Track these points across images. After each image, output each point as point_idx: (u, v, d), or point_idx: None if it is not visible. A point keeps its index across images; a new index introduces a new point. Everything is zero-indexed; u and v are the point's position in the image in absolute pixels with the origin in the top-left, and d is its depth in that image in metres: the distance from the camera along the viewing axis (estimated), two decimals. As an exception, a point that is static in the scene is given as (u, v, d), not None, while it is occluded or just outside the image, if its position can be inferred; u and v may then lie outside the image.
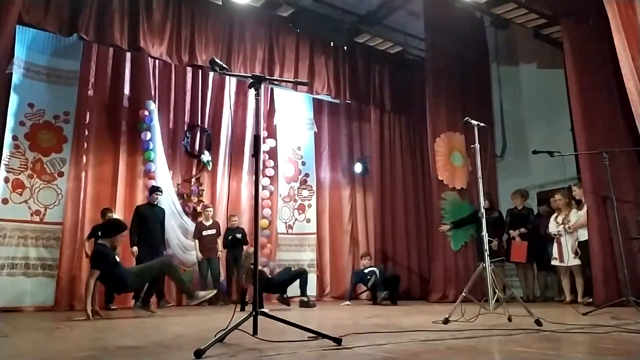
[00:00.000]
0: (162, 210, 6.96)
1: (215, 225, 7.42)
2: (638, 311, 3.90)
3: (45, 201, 6.56)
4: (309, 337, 2.54)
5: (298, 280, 6.46)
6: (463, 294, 3.76)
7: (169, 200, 7.33)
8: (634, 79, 4.97)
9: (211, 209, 7.55)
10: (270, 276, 6.71)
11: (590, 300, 5.64)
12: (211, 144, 8.22)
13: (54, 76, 6.84)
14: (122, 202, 7.12)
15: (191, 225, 7.53)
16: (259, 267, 5.99)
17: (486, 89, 8.69)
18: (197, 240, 7.23)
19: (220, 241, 7.37)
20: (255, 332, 2.50)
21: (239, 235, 7.39)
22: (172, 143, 7.86)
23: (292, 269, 6.91)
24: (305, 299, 6.33)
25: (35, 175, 6.54)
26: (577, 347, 2.49)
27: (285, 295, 6.40)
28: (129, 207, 7.10)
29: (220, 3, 6.97)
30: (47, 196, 6.59)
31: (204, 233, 7.27)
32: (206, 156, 8.10)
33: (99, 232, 4.97)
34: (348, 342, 2.47)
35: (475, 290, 4.54)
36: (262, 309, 2.57)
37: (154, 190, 6.85)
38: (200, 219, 7.57)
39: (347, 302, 6.77)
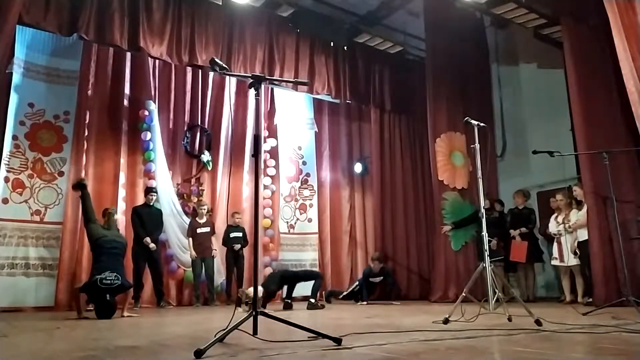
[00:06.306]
0: (159, 211, 6.98)
1: (210, 223, 7.34)
2: (638, 311, 3.90)
3: (45, 201, 6.56)
4: (309, 337, 2.54)
5: (312, 282, 6.41)
6: (463, 293, 3.76)
7: (169, 200, 7.32)
8: (634, 79, 4.96)
9: (205, 206, 7.40)
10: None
11: (590, 300, 5.64)
12: (211, 144, 8.20)
13: (54, 76, 6.83)
14: (123, 202, 7.11)
15: (191, 226, 7.51)
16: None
17: (486, 89, 8.69)
18: (190, 239, 7.11)
19: (214, 240, 7.31)
20: (255, 332, 2.50)
21: (239, 234, 7.36)
22: (172, 143, 7.84)
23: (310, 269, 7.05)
24: (312, 300, 6.16)
25: (35, 175, 6.54)
26: (577, 347, 2.49)
27: (289, 301, 6.22)
28: (130, 207, 7.09)
29: (220, 3, 6.97)
30: (47, 196, 6.58)
31: (198, 231, 7.15)
32: (206, 156, 8.09)
33: None
34: (348, 342, 2.47)
35: (476, 290, 4.54)
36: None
37: (149, 191, 6.93)
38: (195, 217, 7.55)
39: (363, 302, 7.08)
